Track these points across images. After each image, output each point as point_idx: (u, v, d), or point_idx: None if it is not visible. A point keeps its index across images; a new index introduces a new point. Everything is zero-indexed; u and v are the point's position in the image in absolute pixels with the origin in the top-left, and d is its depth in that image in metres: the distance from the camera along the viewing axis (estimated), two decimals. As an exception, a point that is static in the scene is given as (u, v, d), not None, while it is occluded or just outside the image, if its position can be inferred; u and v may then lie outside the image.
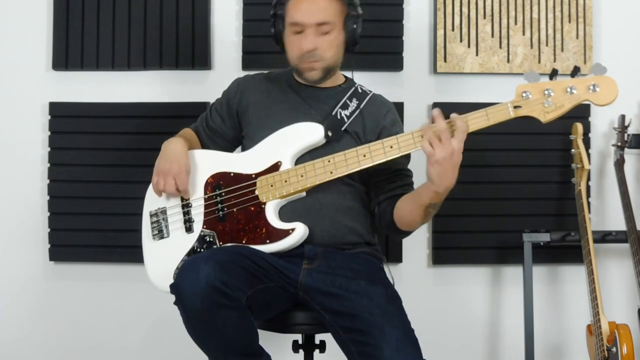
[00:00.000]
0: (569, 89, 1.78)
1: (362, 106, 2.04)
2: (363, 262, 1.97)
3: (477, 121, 1.80)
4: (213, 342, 1.73)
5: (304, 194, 1.93)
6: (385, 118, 2.05)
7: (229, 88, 2.16)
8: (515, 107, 1.80)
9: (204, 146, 2.14)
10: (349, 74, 2.14)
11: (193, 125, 2.19)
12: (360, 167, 1.88)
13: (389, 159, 1.87)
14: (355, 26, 2.00)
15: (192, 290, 1.66)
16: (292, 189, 1.91)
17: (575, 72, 1.80)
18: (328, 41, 1.97)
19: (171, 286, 1.74)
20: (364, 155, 1.88)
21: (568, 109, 1.79)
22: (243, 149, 2.09)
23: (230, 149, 2.14)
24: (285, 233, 1.89)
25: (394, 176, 1.98)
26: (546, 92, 1.79)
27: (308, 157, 1.95)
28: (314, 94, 2.05)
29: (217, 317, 1.68)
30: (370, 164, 1.88)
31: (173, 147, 2.00)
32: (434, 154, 1.74)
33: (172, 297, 1.73)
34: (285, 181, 1.91)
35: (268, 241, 1.89)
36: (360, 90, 2.09)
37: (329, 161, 1.90)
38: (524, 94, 1.80)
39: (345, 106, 2.03)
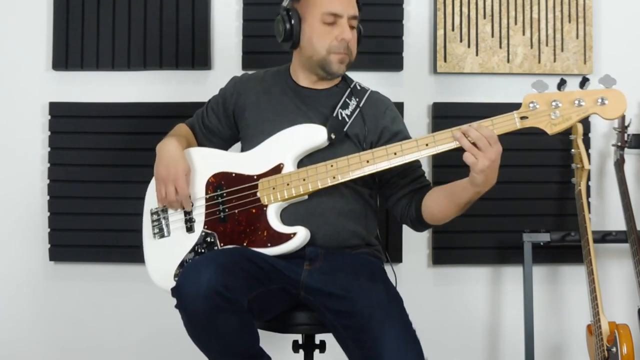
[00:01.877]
0: (577, 102, 1.76)
1: (361, 105, 2.03)
2: (364, 262, 1.97)
3: None
4: (214, 345, 1.73)
5: (305, 197, 1.92)
6: (384, 117, 2.05)
7: (225, 87, 2.15)
8: (522, 117, 1.79)
9: (199, 143, 2.13)
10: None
11: (188, 121, 2.18)
12: (363, 173, 1.88)
13: (392, 165, 1.86)
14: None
15: (193, 294, 1.66)
16: (294, 193, 1.90)
17: (584, 83, 1.77)
18: (355, 36, 1.99)
19: (172, 289, 1.73)
20: (367, 161, 1.87)
21: (575, 122, 1.78)
22: (242, 151, 2.08)
23: (225, 147, 2.13)
24: (287, 237, 1.89)
25: (404, 170, 1.96)
26: (554, 103, 1.77)
27: (307, 160, 1.95)
28: (311, 95, 2.04)
29: (218, 321, 1.68)
30: (373, 170, 1.88)
31: (168, 151, 1.98)
32: (477, 163, 1.72)
33: (172, 297, 1.73)
34: (287, 184, 1.91)
35: (269, 244, 1.89)
36: (359, 88, 2.08)
37: (331, 166, 1.89)
38: (531, 105, 1.79)
39: (345, 105, 2.02)
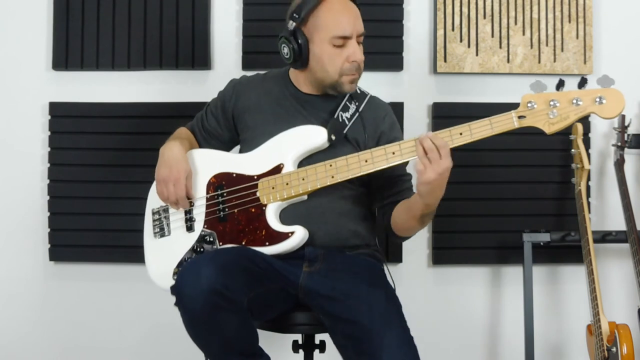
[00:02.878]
0: (574, 101, 1.77)
1: (361, 109, 2.04)
2: (364, 264, 1.97)
3: (480, 130, 1.80)
4: (213, 344, 1.73)
5: (305, 197, 1.93)
6: (383, 122, 2.05)
7: (224, 90, 2.15)
8: (519, 117, 1.80)
9: (200, 146, 2.14)
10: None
11: (189, 124, 2.19)
12: (362, 172, 1.88)
13: (390, 165, 1.87)
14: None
15: (193, 293, 1.66)
16: (293, 192, 1.91)
17: (583, 83, 1.78)
18: (362, 52, 1.98)
19: (172, 288, 1.74)
20: (366, 161, 1.88)
21: (573, 121, 1.79)
22: (241, 153, 2.08)
23: (225, 150, 2.13)
24: (285, 236, 1.89)
25: (393, 182, 1.99)
26: (552, 103, 1.78)
27: (306, 162, 1.95)
28: (311, 100, 2.04)
29: (217, 320, 1.68)
30: (372, 170, 1.88)
31: (170, 153, 1.99)
32: (424, 173, 1.73)
33: (172, 297, 1.74)
34: (287, 184, 1.91)
35: (267, 243, 1.89)
36: (358, 92, 2.08)
37: (330, 165, 1.89)
38: (529, 104, 1.79)
39: (345, 108, 2.03)
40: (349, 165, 1.88)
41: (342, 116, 2.01)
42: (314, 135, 1.95)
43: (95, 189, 2.68)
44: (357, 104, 2.04)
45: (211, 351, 1.76)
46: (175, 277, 1.85)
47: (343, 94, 2.00)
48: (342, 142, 1.97)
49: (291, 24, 1.96)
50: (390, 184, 1.99)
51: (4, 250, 2.74)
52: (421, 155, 1.74)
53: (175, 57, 2.69)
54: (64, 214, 2.69)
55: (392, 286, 1.94)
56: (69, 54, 2.69)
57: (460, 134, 1.82)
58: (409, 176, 2.03)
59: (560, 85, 1.80)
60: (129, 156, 2.67)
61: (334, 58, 1.94)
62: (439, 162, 1.73)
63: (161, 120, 2.65)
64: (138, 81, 2.72)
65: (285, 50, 1.97)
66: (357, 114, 2.03)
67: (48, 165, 2.70)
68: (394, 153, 1.86)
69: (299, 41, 1.94)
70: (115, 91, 2.71)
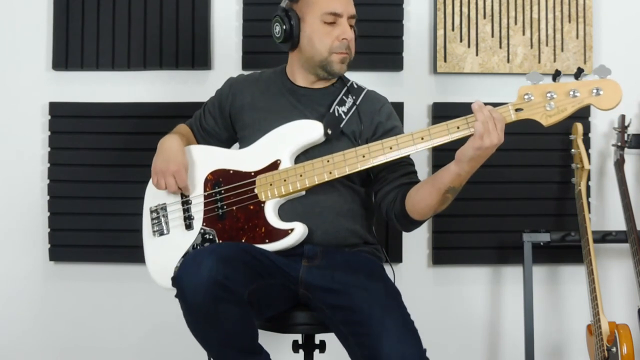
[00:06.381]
0: (571, 92, 1.76)
1: (357, 103, 2.04)
2: (363, 261, 1.97)
3: None
4: (213, 337, 1.73)
5: (303, 192, 1.93)
6: (380, 113, 2.05)
7: (221, 88, 2.15)
8: (516, 109, 1.79)
9: (198, 144, 2.14)
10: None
11: (188, 122, 2.20)
12: (360, 167, 1.88)
13: (388, 159, 1.86)
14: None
15: (193, 284, 1.66)
16: (291, 188, 1.90)
17: (579, 74, 1.77)
18: (354, 35, 2.00)
19: (173, 279, 1.74)
20: (363, 156, 1.87)
21: (570, 113, 1.77)
22: None
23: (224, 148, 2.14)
24: (285, 233, 1.89)
25: (395, 165, 1.96)
26: (548, 94, 1.77)
27: (303, 157, 1.95)
28: (307, 94, 2.04)
29: (218, 311, 1.68)
30: (370, 165, 1.87)
31: (169, 145, 2.00)
32: (482, 137, 1.71)
33: (172, 297, 1.73)
34: (285, 180, 1.91)
35: (267, 240, 1.89)
36: (355, 86, 2.09)
37: (328, 161, 1.89)
38: (525, 96, 1.78)
39: (342, 103, 2.03)
40: (346, 161, 1.88)
41: (338, 110, 2.01)
42: (310, 130, 1.95)
43: (95, 189, 2.68)
44: (354, 98, 2.04)
45: (211, 345, 1.75)
46: (176, 269, 1.85)
47: (334, 75, 2.00)
48: (338, 137, 1.97)
49: (284, 2, 1.99)
50: (393, 167, 1.95)
51: (4, 250, 2.74)
52: (488, 117, 1.72)
53: (175, 57, 2.69)
54: (64, 214, 2.69)
55: (392, 280, 1.94)
56: (69, 54, 2.69)
57: (458, 127, 1.82)
58: (411, 160, 1.98)
59: (556, 75, 1.78)
60: (129, 156, 2.68)
61: (324, 36, 1.96)
62: (494, 134, 1.71)
63: (161, 120, 2.65)
64: (138, 81, 2.72)
65: (277, 29, 1.99)
66: (354, 108, 2.03)
67: (48, 165, 2.70)
68: (391, 148, 1.86)
69: (291, 20, 1.97)
70: (115, 91, 2.71)
